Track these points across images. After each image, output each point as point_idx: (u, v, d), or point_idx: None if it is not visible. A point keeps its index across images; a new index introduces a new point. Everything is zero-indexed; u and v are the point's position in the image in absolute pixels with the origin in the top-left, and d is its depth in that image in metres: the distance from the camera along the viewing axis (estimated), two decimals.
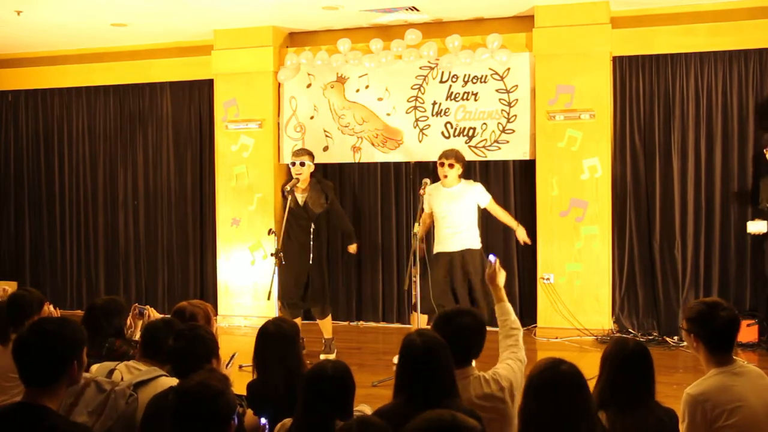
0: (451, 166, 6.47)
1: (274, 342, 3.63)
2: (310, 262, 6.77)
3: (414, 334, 3.02)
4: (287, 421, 2.98)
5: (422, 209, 6.59)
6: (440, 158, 6.56)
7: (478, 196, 6.63)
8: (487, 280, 3.70)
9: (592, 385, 2.78)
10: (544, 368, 2.51)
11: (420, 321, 6.16)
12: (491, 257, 3.76)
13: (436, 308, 6.02)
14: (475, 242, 6.54)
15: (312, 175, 6.93)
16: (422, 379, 2.85)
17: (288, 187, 6.71)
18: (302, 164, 6.84)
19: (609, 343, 3.02)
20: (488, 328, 3.36)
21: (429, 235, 6.80)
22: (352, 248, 7.24)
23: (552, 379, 2.47)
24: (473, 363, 3.33)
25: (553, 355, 2.64)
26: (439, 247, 6.59)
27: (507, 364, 3.34)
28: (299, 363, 3.65)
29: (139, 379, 3.18)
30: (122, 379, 3.21)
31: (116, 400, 2.96)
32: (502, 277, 3.67)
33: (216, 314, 3.96)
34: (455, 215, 6.48)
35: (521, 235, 6.86)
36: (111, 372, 3.30)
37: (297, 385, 3.22)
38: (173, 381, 3.27)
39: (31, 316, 3.94)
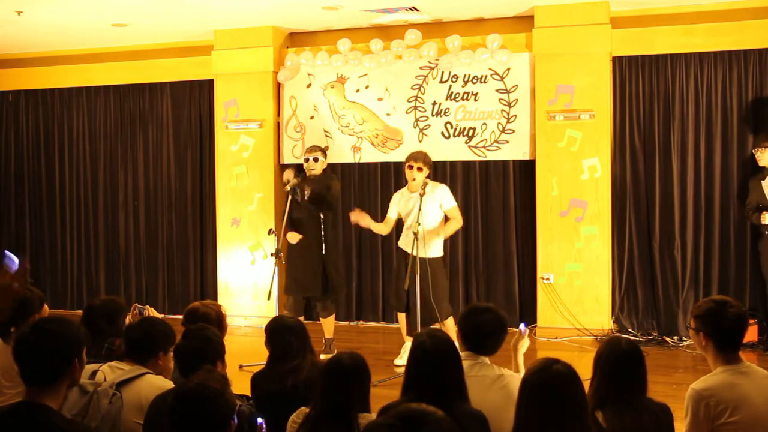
0: (419, 169, 6.26)
1: (298, 335, 3.71)
2: (323, 252, 6.75)
3: (424, 335, 3.05)
4: (304, 409, 3.03)
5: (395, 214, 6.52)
6: (408, 160, 6.34)
7: (441, 197, 6.32)
8: (511, 347, 3.62)
9: (588, 385, 2.78)
10: (539, 368, 2.52)
11: (402, 319, 6.45)
12: (522, 326, 3.67)
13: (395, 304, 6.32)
14: (437, 250, 6.31)
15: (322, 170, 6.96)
16: (431, 380, 2.89)
17: (288, 188, 6.71)
18: (315, 160, 6.87)
19: (601, 344, 3.04)
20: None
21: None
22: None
23: (546, 379, 2.48)
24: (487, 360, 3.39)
25: (552, 355, 2.65)
26: (401, 244, 6.51)
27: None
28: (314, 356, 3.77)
29: (122, 378, 3.18)
30: (105, 379, 3.20)
31: (99, 400, 2.95)
32: (525, 345, 3.64)
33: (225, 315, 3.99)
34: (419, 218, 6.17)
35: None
36: (94, 373, 3.30)
37: (303, 379, 3.40)
38: (159, 379, 3.29)
39: (32, 314, 3.96)
